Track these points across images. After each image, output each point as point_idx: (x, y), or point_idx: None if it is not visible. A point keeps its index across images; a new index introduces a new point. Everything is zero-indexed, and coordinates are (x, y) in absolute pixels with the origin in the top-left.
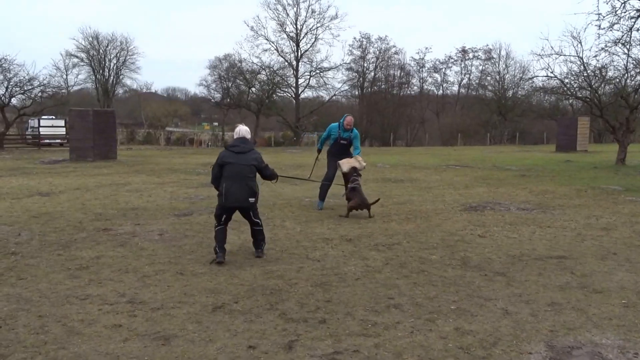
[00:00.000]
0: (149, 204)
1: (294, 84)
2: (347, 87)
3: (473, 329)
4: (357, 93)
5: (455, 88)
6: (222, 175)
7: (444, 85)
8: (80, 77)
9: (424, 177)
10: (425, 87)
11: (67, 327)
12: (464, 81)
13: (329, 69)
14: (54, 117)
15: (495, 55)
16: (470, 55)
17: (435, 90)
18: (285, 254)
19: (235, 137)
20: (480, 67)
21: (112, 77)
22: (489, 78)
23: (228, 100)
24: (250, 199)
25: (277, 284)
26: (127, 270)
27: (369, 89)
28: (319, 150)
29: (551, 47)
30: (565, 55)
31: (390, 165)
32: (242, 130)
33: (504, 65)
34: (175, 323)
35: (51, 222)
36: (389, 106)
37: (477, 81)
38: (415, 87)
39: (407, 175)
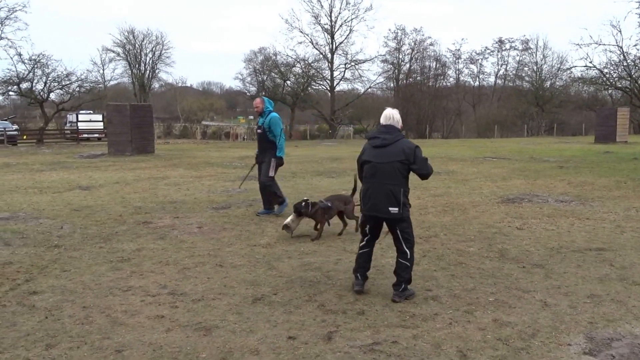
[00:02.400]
0: (187, 197)
1: (329, 77)
2: (382, 79)
3: (511, 321)
4: (392, 85)
5: (492, 79)
6: (363, 175)
7: (480, 76)
8: (116, 72)
9: (460, 169)
10: (462, 78)
11: (111, 318)
12: (501, 72)
13: (364, 61)
14: (91, 111)
15: (532, 46)
16: (507, 45)
17: (471, 82)
18: (323, 247)
19: (381, 122)
20: (517, 58)
21: (148, 72)
22: (526, 69)
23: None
24: (391, 209)
25: (315, 276)
26: (167, 262)
27: (405, 81)
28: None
29: (590, 36)
30: (604, 44)
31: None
32: (388, 114)
33: (541, 56)
34: (216, 314)
35: (92, 215)
36: (424, 98)
37: (514, 72)
38: (451, 79)
39: (443, 167)
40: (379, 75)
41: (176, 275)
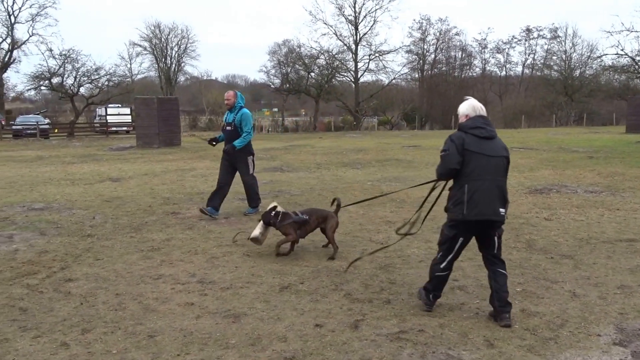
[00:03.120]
0: (213, 188)
1: (353, 68)
2: (407, 70)
3: (539, 311)
4: (417, 76)
5: (519, 69)
6: (461, 172)
7: (507, 66)
8: (143, 66)
9: None
10: (488, 68)
11: (143, 305)
12: (528, 61)
13: (388, 52)
14: (119, 105)
15: (561, 34)
16: (535, 34)
17: (498, 72)
18: (349, 237)
19: (470, 113)
20: (546, 47)
21: (173, 65)
22: (554, 57)
23: (287, 85)
24: (501, 210)
25: (341, 266)
26: (196, 251)
27: (430, 72)
28: (217, 140)
29: (622, 23)
30: (636, 31)
31: None
32: (478, 105)
33: (570, 44)
34: (245, 302)
35: (122, 206)
36: (450, 88)
37: (542, 61)
38: (477, 69)
39: None
40: (404, 66)
41: (205, 264)
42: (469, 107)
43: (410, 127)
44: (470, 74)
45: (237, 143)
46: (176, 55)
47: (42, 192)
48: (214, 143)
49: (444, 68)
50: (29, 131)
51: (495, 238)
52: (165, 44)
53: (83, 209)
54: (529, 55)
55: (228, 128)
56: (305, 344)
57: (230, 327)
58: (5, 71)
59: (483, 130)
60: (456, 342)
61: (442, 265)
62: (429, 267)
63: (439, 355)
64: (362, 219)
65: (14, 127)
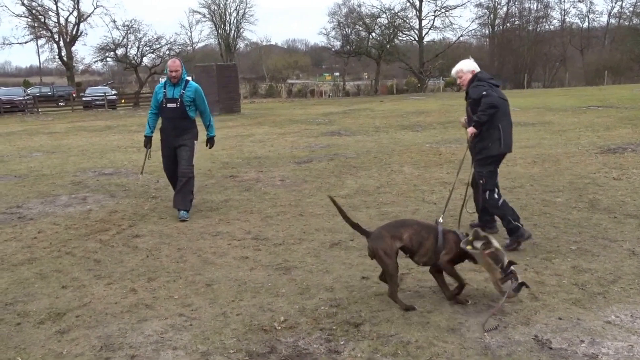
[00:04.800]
0: (271, 153)
1: (417, 26)
2: (476, 26)
3: (592, 268)
4: (487, 32)
5: (604, 19)
6: (494, 115)
7: (590, 16)
8: (203, 33)
9: (558, 120)
10: (568, 20)
11: (202, 258)
12: (615, 10)
13: (455, 6)
14: None
15: None
16: None
17: (579, 23)
18: (402, 197)
19: (475, 69)
20: None
21: (232, 31)
22: None
23: (348, 47)
24: None
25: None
26: (251, 211)
27: (501, 27)
28: (149, 138)
29: None
30: None
31: (521, 109)
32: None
33: None
34: (295, 257)
35: None
36: (523, 44)
37: (631, 9)
38: (555, 21)
39: (539, 118)
40: (472, 21)
41: (259, 222)
42: (472, 64)
43: None
44: (547, 27)
45: (212, 133)
46: (235, 21)
47: (111, 158)
48: (148, 140)
49: (517, 22)
50: (97, 102)
51: None
52: (224, 10)
53: (148, 173)
54: (615, 3)
55: (171, 105)
56: (350, 294)
57: (281, 278)
58: (73, 44)
59: (493, 80)
60: (498, 295)
61: (502, 197)
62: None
63: (480, 306)
64: (417, 180)
65: (84, 98)
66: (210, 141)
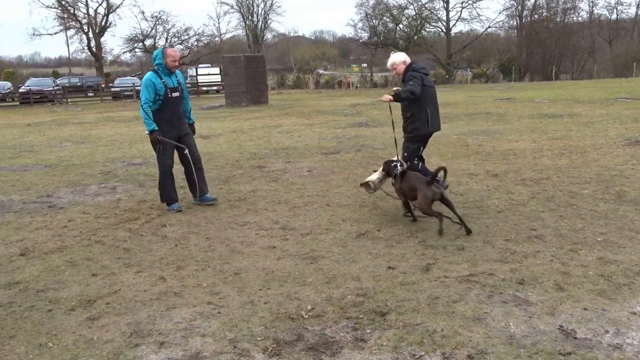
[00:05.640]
0: (298, 143)
1: (444, 18)
2: (503, 18)
3: (618, 259)
4: (514, 23)
5: (632, 10)
6: (421, 100)
7: (618, 7)
8: (231, 25)
9: (586, 112)
10: (596, 11)
11: (230, 247)
12: None
13: None
14: (209, 65)
15: None
16: None
17: (607, 14)
18: None
19: (407, 60)
20: None
21: (260, 22)
22: None
23: (375, 39)
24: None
25: (418, 215)
26: (279, 201)
27: (529, 18)
28: (156, 132)
29: None
30: None
31: (549, 100)
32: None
33: None
34: (322, 246)
35: (212, 160)
36: (551, 36)
37: None
38: (584, 12)
39: (567, 110)
40: (500, 12)
41: (287, 213)
42: (403, 56)
43: (507, 79)
44: (575, 18)
45: (193, 119)
46: (262, 12)
47: (139, 149)
48: (156, 134)
49: (545, 13)
50: (126, 93)
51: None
52: (251, 1)
53: (176, 163)
54: None
55: (175, 95)
56: (377, 283)
57: (308, 267)
58: (102, 35)
59: (425, 69)
60: (525, 285)
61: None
62: (498, 214)
63: (505, 296)
64: None
65: (112, 89)
66: (192, 127)
